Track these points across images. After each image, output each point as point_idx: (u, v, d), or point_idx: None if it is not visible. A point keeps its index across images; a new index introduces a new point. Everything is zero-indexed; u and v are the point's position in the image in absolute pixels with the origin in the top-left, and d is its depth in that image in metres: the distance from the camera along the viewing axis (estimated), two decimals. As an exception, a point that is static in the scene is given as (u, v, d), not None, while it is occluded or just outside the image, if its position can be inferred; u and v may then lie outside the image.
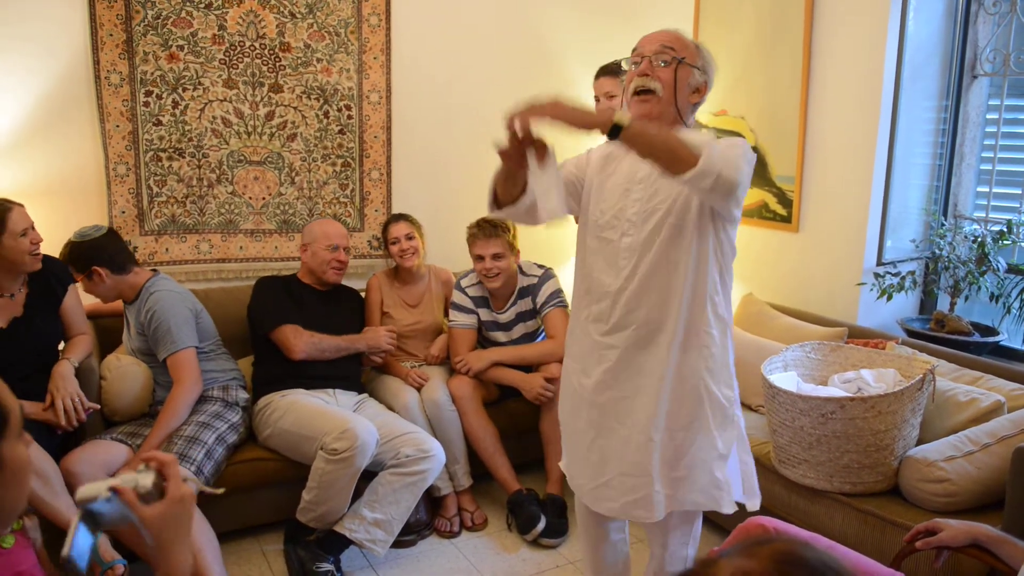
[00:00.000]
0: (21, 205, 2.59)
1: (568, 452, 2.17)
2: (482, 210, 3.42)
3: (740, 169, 1.72)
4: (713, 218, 1.87)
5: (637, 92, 1.87)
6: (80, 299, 2.85)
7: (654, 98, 1.86)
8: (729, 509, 1.97)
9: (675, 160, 1.66)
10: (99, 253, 2.74)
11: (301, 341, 2.97)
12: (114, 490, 1.09)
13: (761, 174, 3.72)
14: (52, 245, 2.88)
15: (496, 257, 3.16)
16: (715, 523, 3.03)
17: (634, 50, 1.92)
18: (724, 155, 1.68)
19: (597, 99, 3.17)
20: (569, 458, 2.17)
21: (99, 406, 2.69)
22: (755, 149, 3.73)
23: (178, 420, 2.68)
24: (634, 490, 1.98)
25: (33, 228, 2.60)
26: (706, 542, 2.99)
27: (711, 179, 1.65)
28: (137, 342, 2.83)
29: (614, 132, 1.63)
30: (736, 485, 2.00)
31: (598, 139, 1.77)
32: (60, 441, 2.59)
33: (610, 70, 3.09)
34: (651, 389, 1.94)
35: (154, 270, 2.92)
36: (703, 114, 3.94)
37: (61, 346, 2.79)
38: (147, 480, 1.12)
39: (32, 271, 2.62)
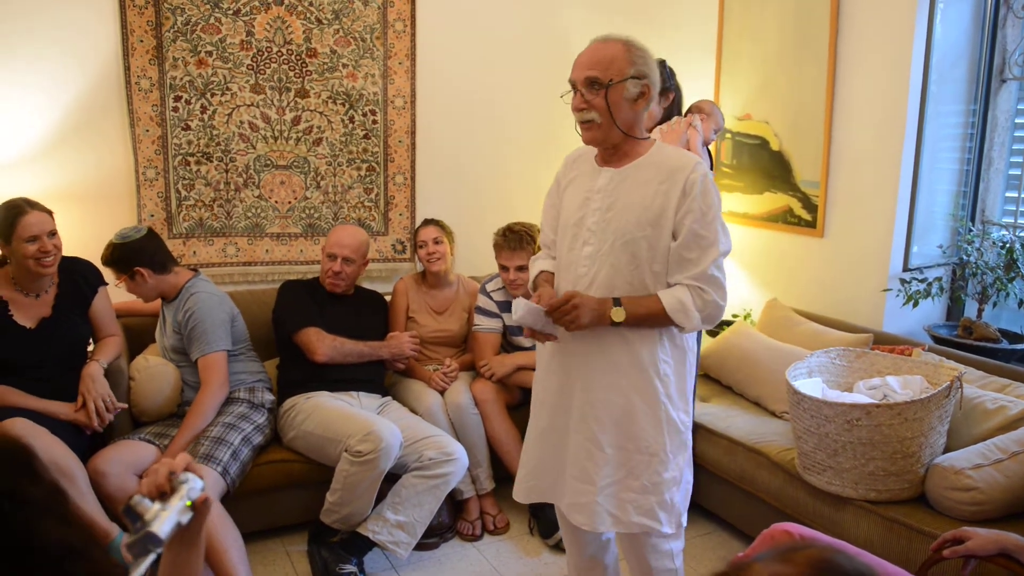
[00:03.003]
0: (46, 211, 2.58)
1: (527, 456, 2.21)
2: (505, 214, 3.45)
3: (722, 292, 1.94)
4: (675, 238, 1.95)
5: (581, 122, 1.97)
6: (110, 301, 2.89)
7: (595, 126, 1.95)
8: (670, 529, 2.03)
9: (663, 326, 1.97)
10: (140, 254, 2.78)
11: (324, 344, 2.99)
12: (193, 504, 1.12)
13: (786, 179, 3.70)
14: (83, 247, 2.93)
15: (520, 269, 3.17)
16: (738, 529, 3.01)
17: (570, 76, 1.98)
18: (707, 307, 1.93)
19: None
20: (527, 462, 2.20)
21: (127, 406, 2.73)
22: (779, 153, 3.72)
23: (204, 422, 2.71)
24: (578, 494, 2.04)
25: (50, 236, 2.56)
26: (728, 548, 2.98)
27: (702, 327, 1.98)
28: (172, 340, 2.87)
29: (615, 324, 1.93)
30: (683, 505, 2.09)
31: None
32: (88, 441, 2.63)
33: None
34: (609, 403, 2.00)
35: (195, 270, 2.97)
36: (730, 119, 3.93)
37: (91, 348, 2.83)
38: (199, 483, 1.15)
39: (38, 277, 2.62)
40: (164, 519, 1.06)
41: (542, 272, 2.18)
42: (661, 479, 2.00)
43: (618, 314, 1.90)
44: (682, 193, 1.91)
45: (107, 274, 2.83)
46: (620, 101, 1.92)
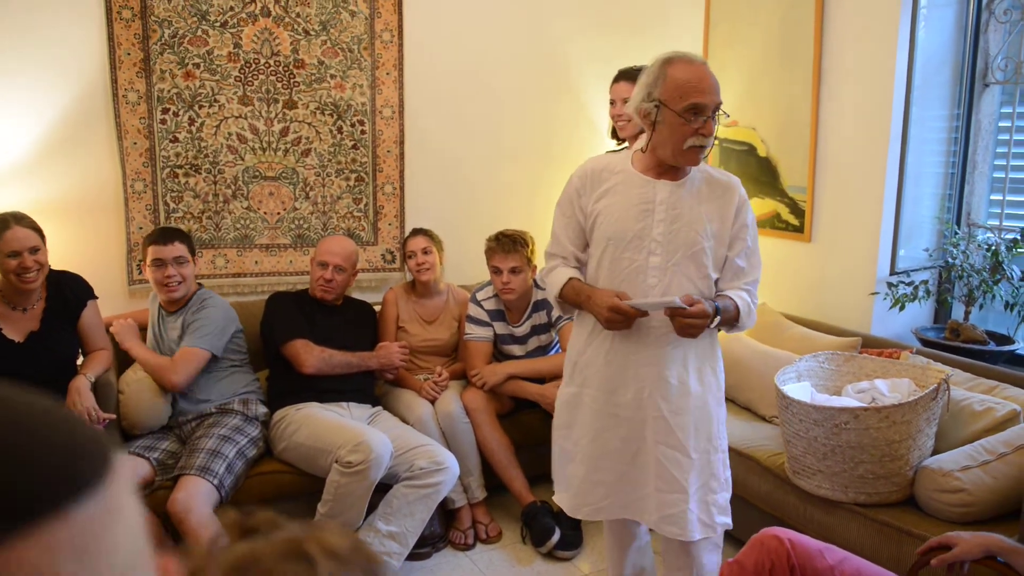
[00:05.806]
0: (34, 228, 2.59)
1: (589, 473, 2.19)
2: (495, 223, 3.46)
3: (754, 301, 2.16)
4: (730, 249, 2.14)
5: (699, 147, 2.00)
6: (100, 315, 2.88)
7: (703, 150, 2.02)
8: (729, 524, 2.17)
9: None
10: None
11: (312, 356, 2.99)
12: None
13: (773, 184, 3.72)
14: (71, 261, 2.93)
15: (514, 271, 3.18)
16: (728, 533, 3.01)
17: (690, 102, 1.95)
18: (752, 307, 2.12)
19: (613, 102, 3.18)
20: (588, 480, 2.19)
21: (114, 416, 2.72)
22: (766, 159, 3.74)
23: (144, 362, 2.80)
24: (669, 505, 2.09)
25: (32, 252, 2.57)
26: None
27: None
28: (176, 347, 2.88)
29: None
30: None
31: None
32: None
33: (629, 75, 3.11)
34: (687, 407, 2.08)
35: (199, 284, 3.04)
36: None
37: (80, 362, 2.82)
38: None
39: (22, 291, 2.63)
40: None
41: (573, 279, 2.16)
42: (728, 473, 2.18)
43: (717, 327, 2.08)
44: (736, 210, 2.10)
45: (182, 250, 2.89)
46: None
